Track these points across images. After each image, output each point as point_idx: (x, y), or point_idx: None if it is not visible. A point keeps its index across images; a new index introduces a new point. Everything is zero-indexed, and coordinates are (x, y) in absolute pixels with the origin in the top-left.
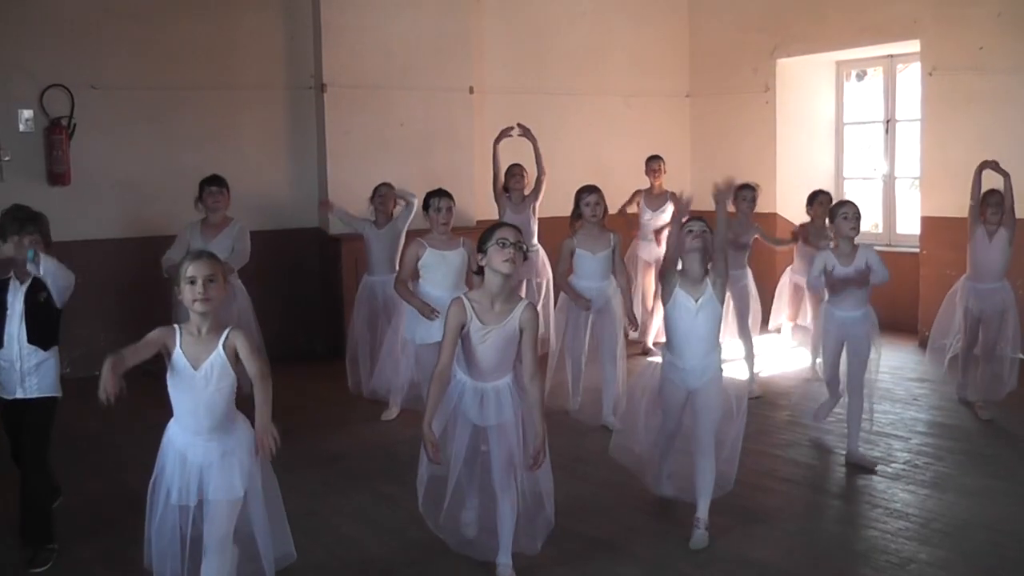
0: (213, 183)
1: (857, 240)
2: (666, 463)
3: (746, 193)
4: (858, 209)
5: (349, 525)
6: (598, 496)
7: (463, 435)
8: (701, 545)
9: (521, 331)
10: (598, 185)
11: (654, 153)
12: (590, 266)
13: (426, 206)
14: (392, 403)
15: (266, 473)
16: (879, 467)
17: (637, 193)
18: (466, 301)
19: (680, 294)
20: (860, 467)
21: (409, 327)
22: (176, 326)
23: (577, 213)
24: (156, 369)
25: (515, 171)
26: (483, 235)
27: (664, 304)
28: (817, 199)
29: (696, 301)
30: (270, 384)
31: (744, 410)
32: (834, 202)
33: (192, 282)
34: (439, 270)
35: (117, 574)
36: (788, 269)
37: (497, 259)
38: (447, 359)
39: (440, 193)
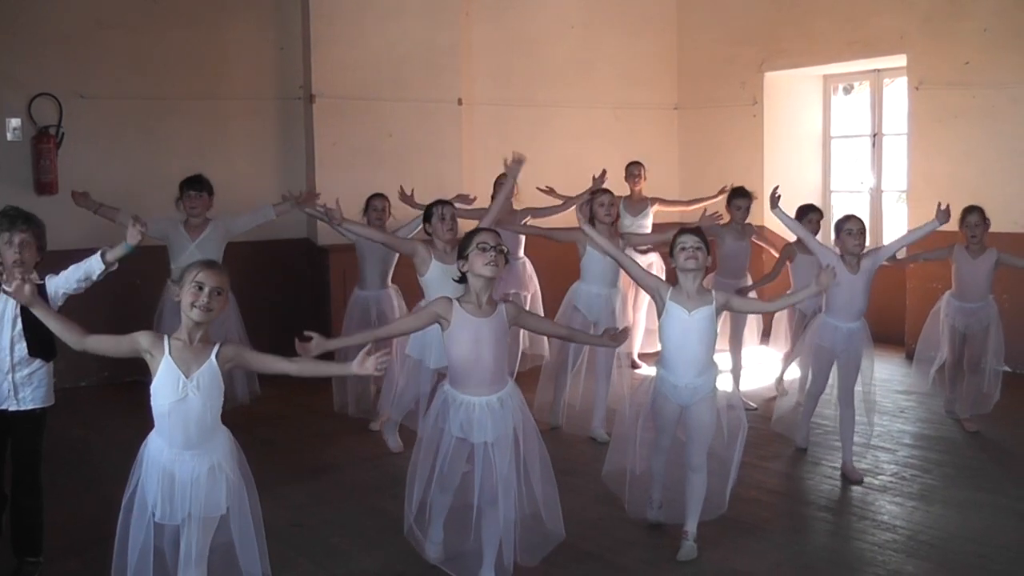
0: (193, 186)
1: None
2: (657, 489)
3: (740, 202)
4: (863, 224)
5: (337, 537)
6: (586, 508)
7: (459, 455)
8: (689, 557)
9: (515, 323)
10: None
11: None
12: (599, 269)
13: (427, 216)
14: (380, 414)
15: (249, 490)
16: (866, 479)
17: (615, 198)
18: (455, 301)
19: (672, 306)
20: (849, 480)
21: (415, 346)
22: (164, 335)
23: (591, 216)
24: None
25: (503, 181)
26: (463, 242)
27: (658, 316)
28: (807, 216)
29: (689, 313)
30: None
31: (744, 436)
32: (832, 216)
33: (200, 288)
34: (445, 288)
35: None
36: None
37: (479, 263)
38: (403, 325)
39: (442, 202)
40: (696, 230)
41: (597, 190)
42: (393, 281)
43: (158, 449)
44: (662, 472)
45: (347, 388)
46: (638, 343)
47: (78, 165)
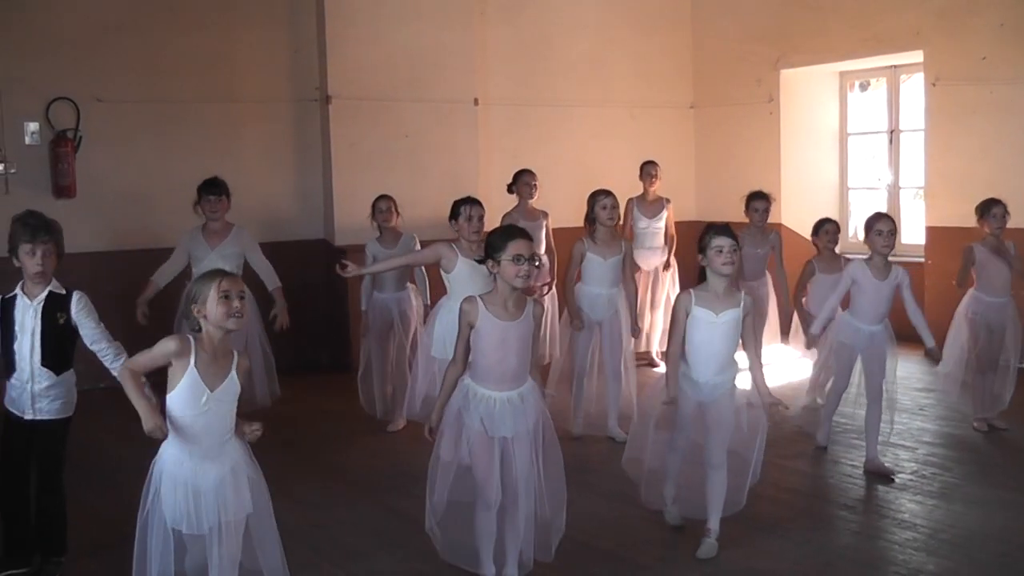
0: (212, 190)
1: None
2: (670, 486)
3: (758, 204)
4: (894, 224)
5: (355, 537)
6: (603, 507)
7: (485, 450)
8: (710, 555)
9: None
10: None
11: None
12: (600, 272)
13: (455, 214)
14: (398, 415)
15: (263, 488)
16: (883, 477)
17: (628, 202)
18: (480, 301)
19: (699, 310)
20: (878, 475)
21: (438, 348)
22: (190, 338)
23: (591, 217)
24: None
25: (527, 179)
26: (495, 240)
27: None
28: (823, 228)
29: (717, 314)
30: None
31: (764, 434)
32: (850, 216)
33: (227, 297)
34: (473, 283)
35: None
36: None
37: (511, 272)
38: (461, 355)
39: (471, 200)
40: (728, 230)
41: (599, 191)
42: (411, 282)
43: (176, 461)
44: (676, 470)
45: (372, 388)
46: (656, 341)
47: (96, 168)
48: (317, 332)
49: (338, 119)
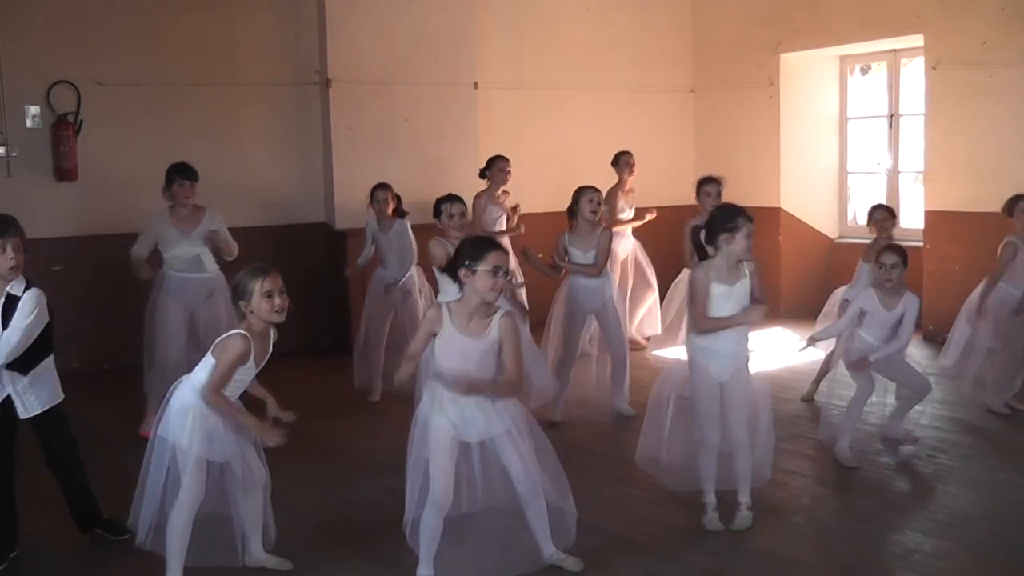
0: (186, 176)
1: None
2: (710, 492)
3: (710, 188)
4: (902, 258)
5: (359, 516)
6: (605, 488)
7: (446, 447)
8: (745, 525)
9: (501, 343)
10: (598, 184)
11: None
12: (586, 261)
13: (437, 212)
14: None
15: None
16: (882, 460)
17: (612, 193)
18: (445, 309)
19: (716, 286)
20: (898, 440)
21: None
22: (243, 334)
23: (574, 210)
24: None
25: (502, 165)
26: (472, 249)
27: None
28: (873, 216)
29: (731, 287)
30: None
31: (769, 404)
32: (849, 199)
33: (269, 295)
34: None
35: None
36: (843, 288)
37: (486, 285)
38: (417, 352)
39: (451, 199)
40: (747, 213)
41: (586, 187)
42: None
43: (198, 402)
44: (712, 472)
45: (369, 364)
46: (651, 324)
47: (97, 151)
48: (318, 314)
49: (338, 102)
